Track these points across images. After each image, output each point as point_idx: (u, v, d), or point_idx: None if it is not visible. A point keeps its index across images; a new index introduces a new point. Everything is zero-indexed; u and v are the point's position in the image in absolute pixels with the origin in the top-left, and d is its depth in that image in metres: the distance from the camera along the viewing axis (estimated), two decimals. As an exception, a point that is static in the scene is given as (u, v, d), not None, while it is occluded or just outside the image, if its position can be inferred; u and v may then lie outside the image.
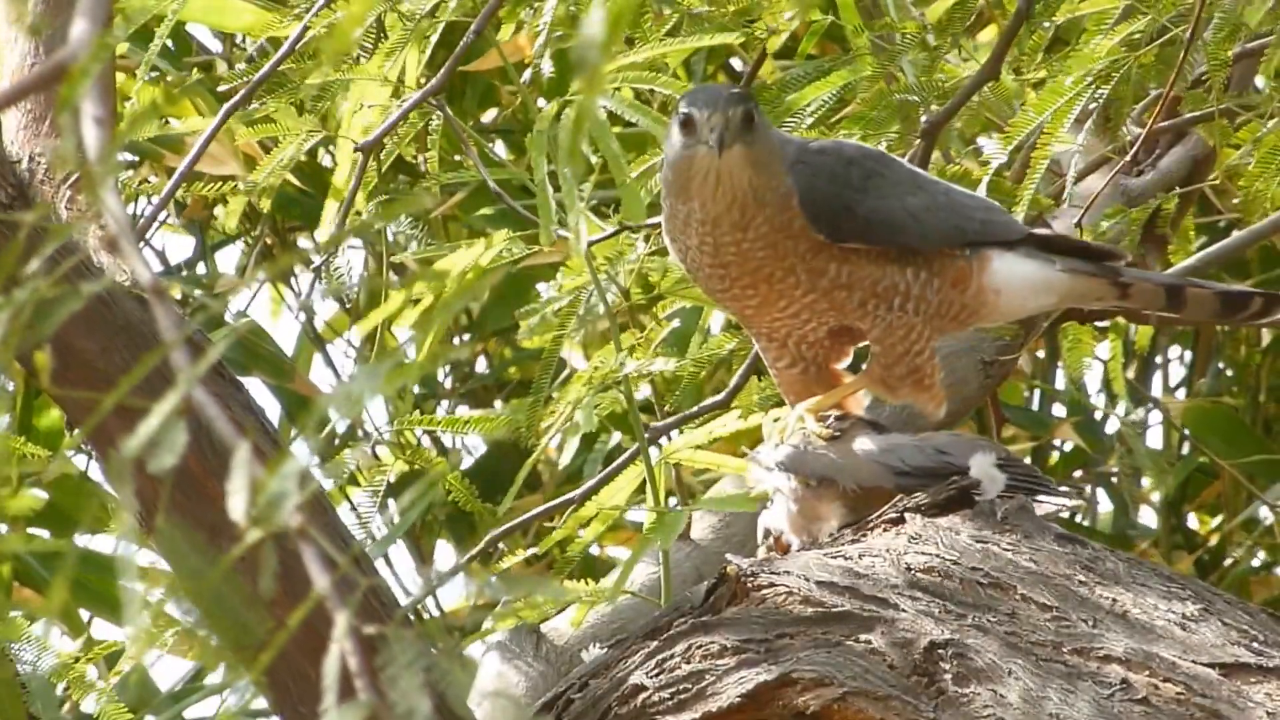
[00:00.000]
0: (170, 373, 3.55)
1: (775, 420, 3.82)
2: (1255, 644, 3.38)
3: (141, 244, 4.11)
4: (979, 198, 3.91)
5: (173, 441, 2.26)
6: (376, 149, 4.58)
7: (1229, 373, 7.25)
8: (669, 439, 4.62)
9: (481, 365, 7.58)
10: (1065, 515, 5.32)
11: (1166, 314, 3.95)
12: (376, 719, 2.17)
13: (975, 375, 4.97)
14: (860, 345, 3.86)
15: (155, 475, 3.43)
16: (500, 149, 6.68)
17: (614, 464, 4.62)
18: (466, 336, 7.38)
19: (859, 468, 3.70)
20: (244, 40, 5.78)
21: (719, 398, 4.76)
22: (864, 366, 3.84)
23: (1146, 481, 7.23)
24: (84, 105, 2.42)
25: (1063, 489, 3.70)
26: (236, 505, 2.17)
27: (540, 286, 4.91)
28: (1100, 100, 4.29)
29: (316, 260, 4.67)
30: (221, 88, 4.74)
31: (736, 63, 6.60)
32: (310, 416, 2.24)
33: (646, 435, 4.49)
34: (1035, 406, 7.25)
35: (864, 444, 3.74)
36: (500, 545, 4.85)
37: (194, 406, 2.26)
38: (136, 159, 6.34)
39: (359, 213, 4.59)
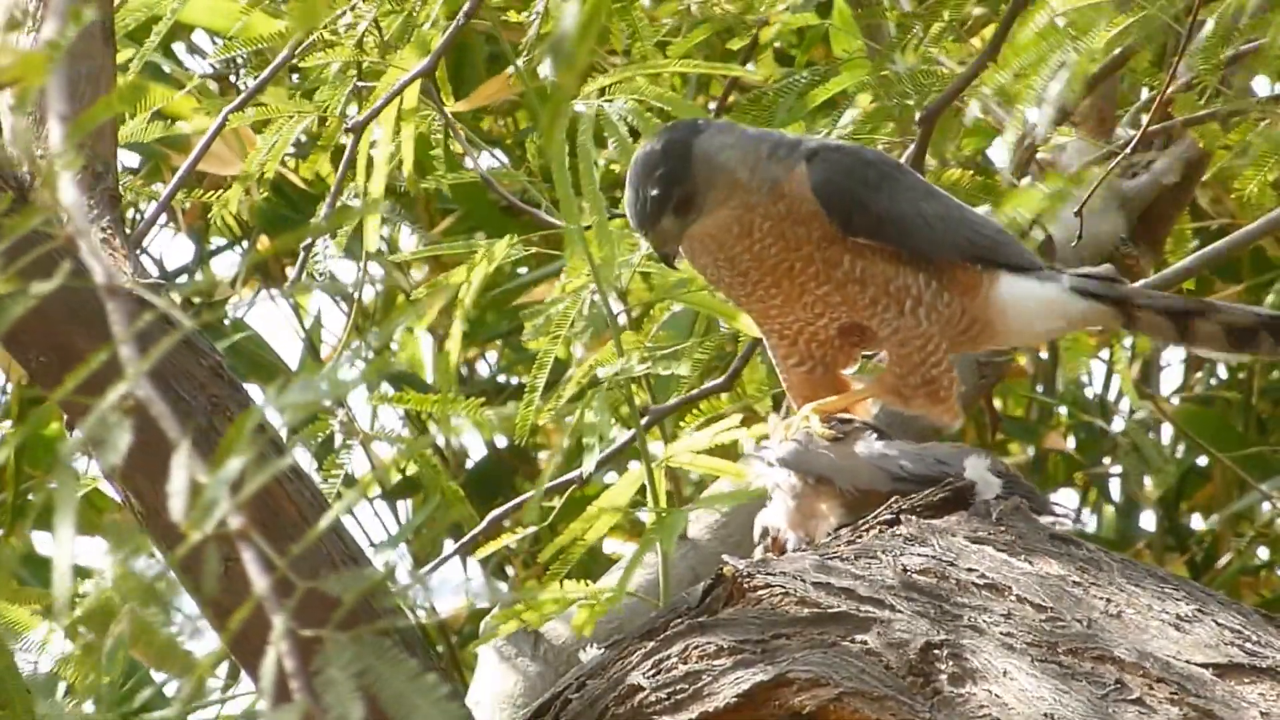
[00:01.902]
0: (169, 371, 3.58)
1: (782, 419, 3.83)
2: (1249, 644, 3.39)
3: (140, 250, 4.12)
4: (994, 223, 3.92)
5: (117, 438, 2.26)
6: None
7: (1222, 374, 7.27)
8: (662, 438, 4.64)
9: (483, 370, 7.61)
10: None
11: (1177, 343, 3.93)
12: None
13: (970, 375, 4.99)
14: (867, 352, 3.87)
15: (152, 478, 3.46)
16: (497, 156, 6.70)
17: (610, 448, 4.63)
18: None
19: (858, 470, 3.71)
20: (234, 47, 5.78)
21: (719, 381, 4.77)
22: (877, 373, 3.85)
23: (1149, 483, 7.25)
24: (51, 101, 2.42)
25: (1058, 508, 3.71)
26: (176, 506, 2.18)
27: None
28: (1077, 53, 4.26)
29: (316, 250, 4.68)
30: (209, 71, 4.76)
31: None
32: (285, 398, 2.24)
33: (645, 420, 4.49)
34: (1037, 406, 7.27)
35: (864, 448, 3.75)
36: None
37: (141, 402, 2.26)
38: (140, 164, 6.36)
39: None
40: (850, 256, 3.73)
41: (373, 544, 6.16)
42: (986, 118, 4.65)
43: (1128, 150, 4.49)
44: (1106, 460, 7.34)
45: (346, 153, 4.57)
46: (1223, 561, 7.16)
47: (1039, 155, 4.89)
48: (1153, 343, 3.98)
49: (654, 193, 3.65)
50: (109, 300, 2.22)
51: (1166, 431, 7.27)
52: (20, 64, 2.30)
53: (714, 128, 3.74)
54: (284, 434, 4.52)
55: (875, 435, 3.78)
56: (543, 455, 7.36)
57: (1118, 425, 7.25)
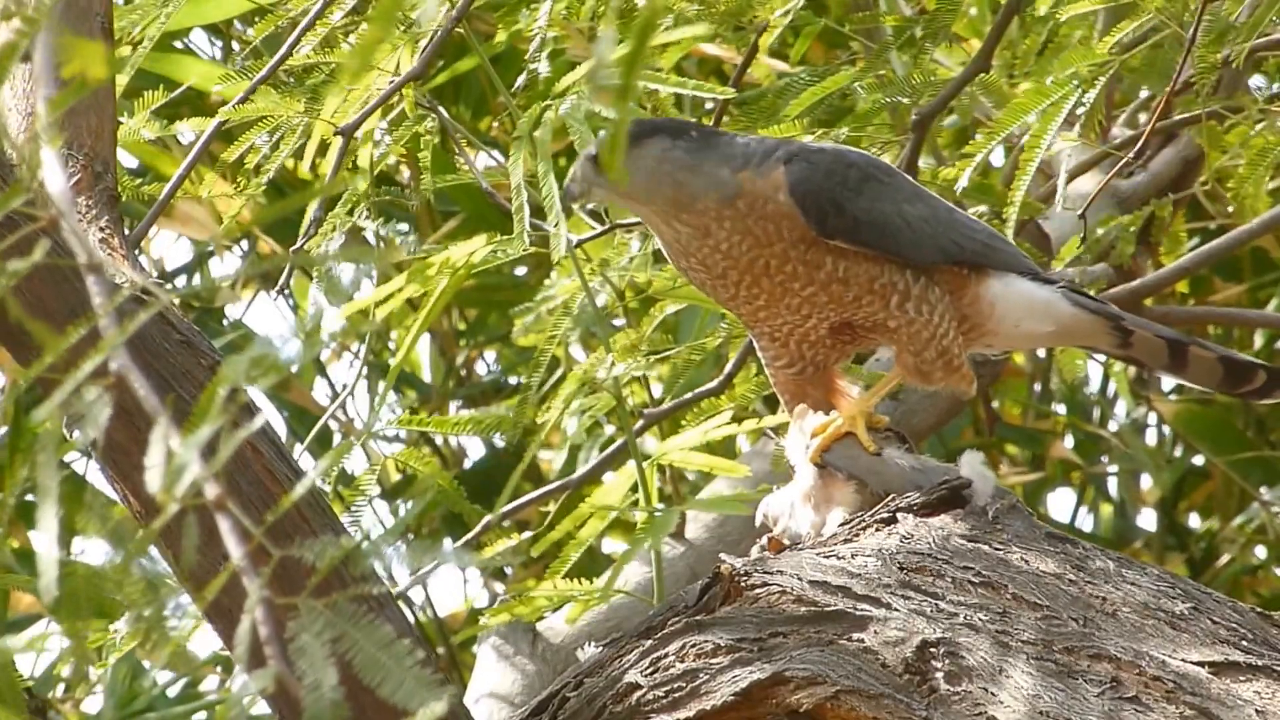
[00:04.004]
0: (169, 370, 3.58)
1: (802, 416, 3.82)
2: (1245, 642, 3.39)
3: (137, 252, 4.14)
4: (986, 227, 3.92)
5: (96, 413, 2.26)
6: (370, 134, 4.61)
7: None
8: (659, 432, 4.65)
9: (481, 370, 7.62)
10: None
11: (1170, 373, 3.93)
12: (285, 688, 2.19)
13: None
14: (860, 347, 3.87)
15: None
16: (495, 157, 6.71)
17: (604, 454, 4.64)
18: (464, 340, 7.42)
19: (890, 477, 3.70)
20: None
21: (711, 385, 4.79)
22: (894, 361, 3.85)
23: (1146, 482, 7.24)
24: (38, 84, 2.42)
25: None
26: (153, 479, 2.18)
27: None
28: (1087, 105, 4.30)
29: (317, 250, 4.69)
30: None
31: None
32: (252, 363, 2.25)
33: (640, 424, 4.51)
34: (1036, 404, 7.27)
35: (896, 456, 3.74)
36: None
37: (121, 378, 2.26)
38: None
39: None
40: (832, 257, 3.75)
41: (368, 538, 6.16)
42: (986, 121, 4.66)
43: (1129, 155, 4.49)
44: (1104, 459, 7.34)
45: (336, 156, 4.58)
46: (1223, 560, 7.17)
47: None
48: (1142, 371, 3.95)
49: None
50: (88, 276, 2.23)
51: (1167, 429, 7.28)
52: (80, 54, 2.30)
53: (691, 138, 3.78)
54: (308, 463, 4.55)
55: (900, 443, 3.78)
56: (543, 455, 7.37)
57: (1116, 425, 7.25)
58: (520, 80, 4.58)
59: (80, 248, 2.29)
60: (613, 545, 6.85)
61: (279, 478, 3.58)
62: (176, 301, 3.97)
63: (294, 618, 2.27)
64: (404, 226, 4.90)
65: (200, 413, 2.21)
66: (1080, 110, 4.31)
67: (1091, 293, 3.94)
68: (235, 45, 6.81)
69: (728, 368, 4.81)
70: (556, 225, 4.37)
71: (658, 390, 5.26)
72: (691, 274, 3.80)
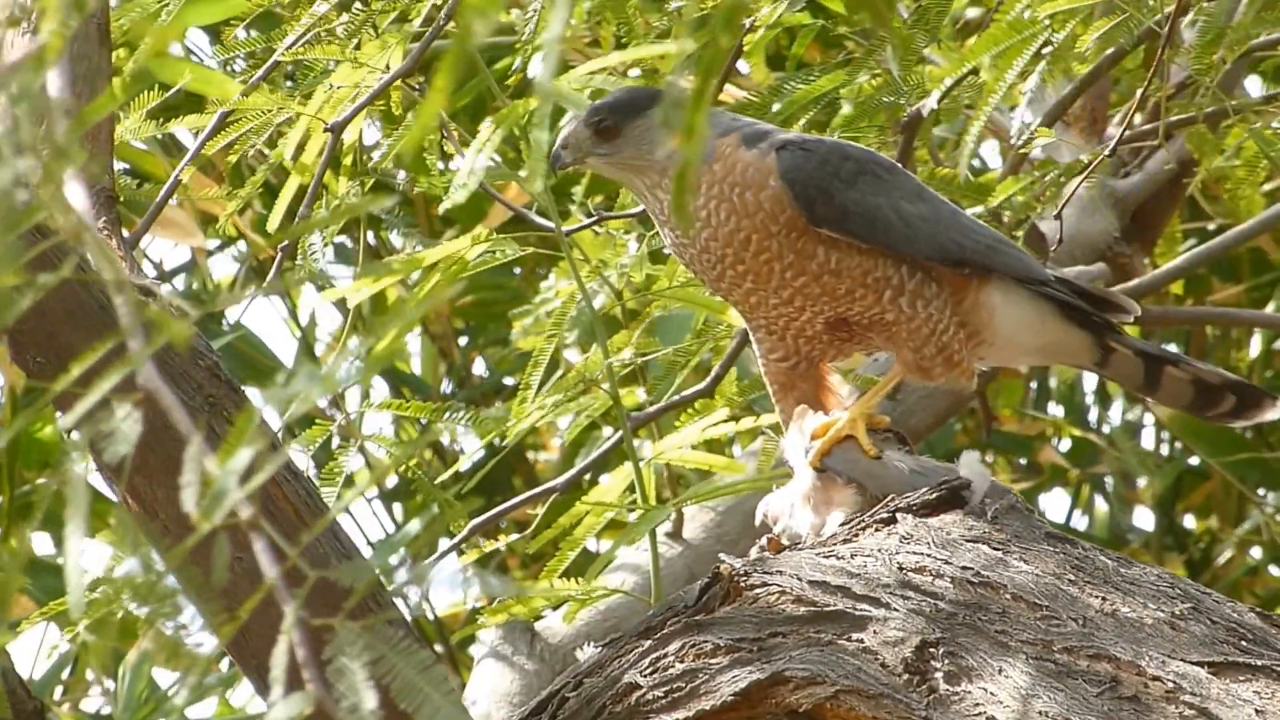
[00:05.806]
0: (167, 372, 3.58)
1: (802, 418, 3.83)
2: (1244, 642, 3.39)
3: (136, 251, 4.14)
4: (993, 231, 3.91)
5: (127, 430, 2.27)
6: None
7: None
8: (655, 430, 4.65)
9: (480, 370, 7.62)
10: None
11: (1143, 393, 3.93)
12: (323, 712, 2.19)
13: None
14: (859, 348, 3.87)
15: (150, 477, 3.47)
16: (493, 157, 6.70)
17: (597, 451, 4.64)
18: (464, 341, 7.43)
19: (890, 481, 3.71)
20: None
21: (701, 386, 4.80)
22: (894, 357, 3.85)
23: (1141, 483, 7.25)
24: (52, 96, 2.43)
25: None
26: (188, 498, 2.18)
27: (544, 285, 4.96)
28: (1053, 45, 4.26)
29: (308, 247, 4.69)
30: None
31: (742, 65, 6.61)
32: (285, 390, 2.25)
33: (629, 424, 4.51)
34: (1032, 405, 7.28)
35: (896, 459, 3.75)
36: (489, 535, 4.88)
37: (150, 394, 2.26)
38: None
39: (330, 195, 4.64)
40: (824, 248, 3.75)
41: (371, 544, 6.17)
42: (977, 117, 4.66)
43: (1106, 153, 4.49)
44: (1102, 461, 7.35)
45: (326, 152, 4.59)
46: (1222, 560, 7.17)
47: (1032, 155, 4.90)
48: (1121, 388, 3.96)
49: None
50: (115, 295, 2.23)
51: (1164, 430, 7.28)
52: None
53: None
54: (282, 437, 4.54)
55: (900, 445, 3.78)
56: (542, 456, 7.38)
57: (1111, 427, 7.26)
58: (515, 63, 4.58)
59: (107, 266, 2.29)
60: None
61: (277, 478, 3.58)
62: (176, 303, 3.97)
63: (329, 639, 2.27)
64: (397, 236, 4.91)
65: (234, 440, 2.20)
66: (1046, 50, 4.26)
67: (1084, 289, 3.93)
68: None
69: (715, 370, 4.82)
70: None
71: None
72: (681, 251, 3.80)
